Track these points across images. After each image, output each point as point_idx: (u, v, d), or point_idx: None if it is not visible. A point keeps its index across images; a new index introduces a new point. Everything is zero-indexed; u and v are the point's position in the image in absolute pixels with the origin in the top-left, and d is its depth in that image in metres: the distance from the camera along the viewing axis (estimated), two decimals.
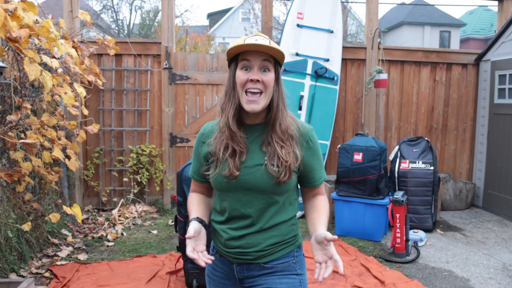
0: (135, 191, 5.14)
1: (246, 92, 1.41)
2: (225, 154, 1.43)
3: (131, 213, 4.90)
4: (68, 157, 3.75)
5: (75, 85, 3.55)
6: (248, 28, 19.70)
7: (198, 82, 5.23)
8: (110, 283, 3.17)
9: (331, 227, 4.49)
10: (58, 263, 3.50)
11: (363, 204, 4.22)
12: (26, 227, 3.00)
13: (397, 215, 3.75)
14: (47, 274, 3.31)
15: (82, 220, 4.62)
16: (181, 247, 3.11)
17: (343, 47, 5.22)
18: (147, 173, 5.12)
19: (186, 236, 1.37)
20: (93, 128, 3.94)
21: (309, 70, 4.96)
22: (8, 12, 2.51)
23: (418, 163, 4.55)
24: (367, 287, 3.14)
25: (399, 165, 4.60)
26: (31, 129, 3.31)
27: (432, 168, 4.50)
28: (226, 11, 27.65)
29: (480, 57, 5.54)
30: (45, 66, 3.52)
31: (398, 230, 3.76)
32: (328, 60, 5.01)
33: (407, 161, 4.58)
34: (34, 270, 3.33)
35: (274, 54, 1.41)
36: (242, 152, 1.44)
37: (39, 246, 3.67)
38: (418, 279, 3.33)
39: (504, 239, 4.31)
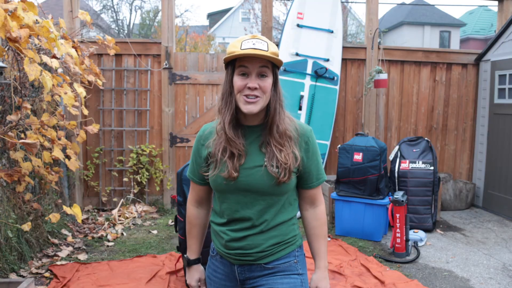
0: (135, 191, 5.14)
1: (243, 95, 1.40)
2: (224, 156, 1.43)
3: (131, 213, 4.90)
4: (68, 157, 3.75)
5: (75, 85, 3.55)
6: (248, 28, 19.70)
7: (198, 82, 5.23)
8: (110, 283, 3.17)
9: (331, 227, 4.49)
10: (58, 263, 3.50)
11: (363, 204, 4.23)
12: (26, 227, 2.99)
13: (397, 215, 3.76)
14: (47, 274, 3.31)
15: (82, 220, 4.62)
16: (181, 247, 3.11)
17: (343, 47, 5.23)
18: (147, 173, 5.12)
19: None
20: (93, 128, 3.94)
21: (309, 70, 4.96)
22: (8, 12, 2.50)
23: (418, 163, 4.55)
24: (367, 287, 3.14)
25: (399, 165, 4.60)
26: (31, 129, 3.30)
27: (432, 168, 4.50)
28: (226, 11, 27.63)
29: (480, 57, 5.54)
30: (45, 66, 3.52)
31: (398, 230, 3.76)
32: (328, 60, 5.01)
33: (407, 161, 4.58)
34: (34, 270, 3.32)
35: (272, 60, 1.39)
36: (241, 155, 1.43)
37: (39, 246, 3.66)
38: (418, 279, 3.33)
39: (504, 239, 4.31)
